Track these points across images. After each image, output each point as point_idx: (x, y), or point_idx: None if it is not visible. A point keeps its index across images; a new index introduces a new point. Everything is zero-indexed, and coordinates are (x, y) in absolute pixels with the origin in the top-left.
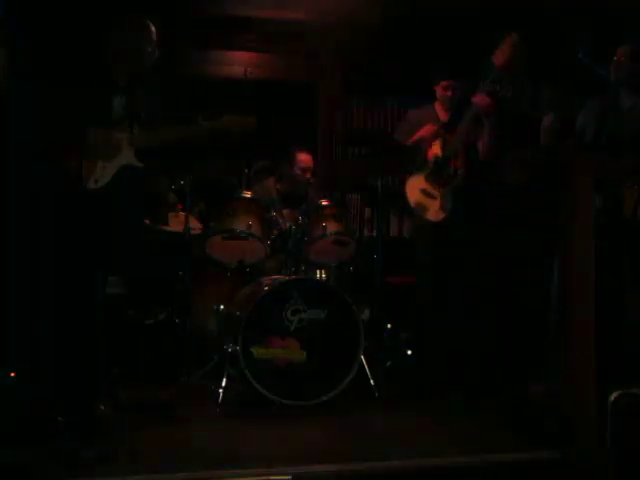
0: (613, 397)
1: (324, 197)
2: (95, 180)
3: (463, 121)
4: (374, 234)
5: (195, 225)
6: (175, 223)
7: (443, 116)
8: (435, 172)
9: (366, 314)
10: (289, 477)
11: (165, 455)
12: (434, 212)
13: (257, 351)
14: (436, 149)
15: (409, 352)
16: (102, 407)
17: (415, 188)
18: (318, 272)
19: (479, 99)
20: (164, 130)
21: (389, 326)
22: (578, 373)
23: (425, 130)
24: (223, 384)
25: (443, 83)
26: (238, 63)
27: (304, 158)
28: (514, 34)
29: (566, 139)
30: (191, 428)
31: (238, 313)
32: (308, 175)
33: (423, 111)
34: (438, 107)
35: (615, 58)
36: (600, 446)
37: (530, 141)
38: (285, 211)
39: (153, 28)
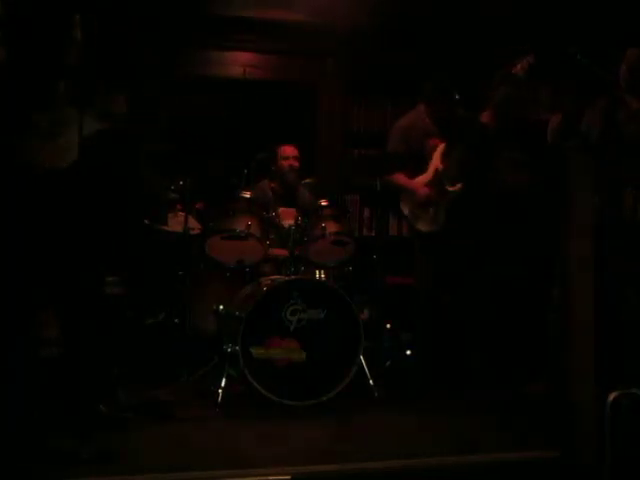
0: (612, 397)
1: (323, 197)
2: (61, 158)
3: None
4: (374, 234)
5: (194, 225)
6: (175, 223)
7: (430, 118)
8: (435, 183)
9: (366, 314)
10: (289, 477)
11: (165, 455)
12: (425, 223)
13: (257, 351)
14: (437, 161)
15: (409, 352)
16: (102, 407)
17: (410, 197)
18: (318, 272)
19: (486, 117)
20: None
21: (389, 326)
22: (578, 373)
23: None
24: (223, 384)
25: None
26: (238, 63)
27: (288, 149)
28: (532, 55)
29: (571, 139)
30: (191, 428)
31: (238, 313)
32: (294, 163)
33: (411, 116)
34: (425, 109)
35: (625, 60)
36: (599, 446)
37: (532, 142)
38: (282, 209)
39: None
